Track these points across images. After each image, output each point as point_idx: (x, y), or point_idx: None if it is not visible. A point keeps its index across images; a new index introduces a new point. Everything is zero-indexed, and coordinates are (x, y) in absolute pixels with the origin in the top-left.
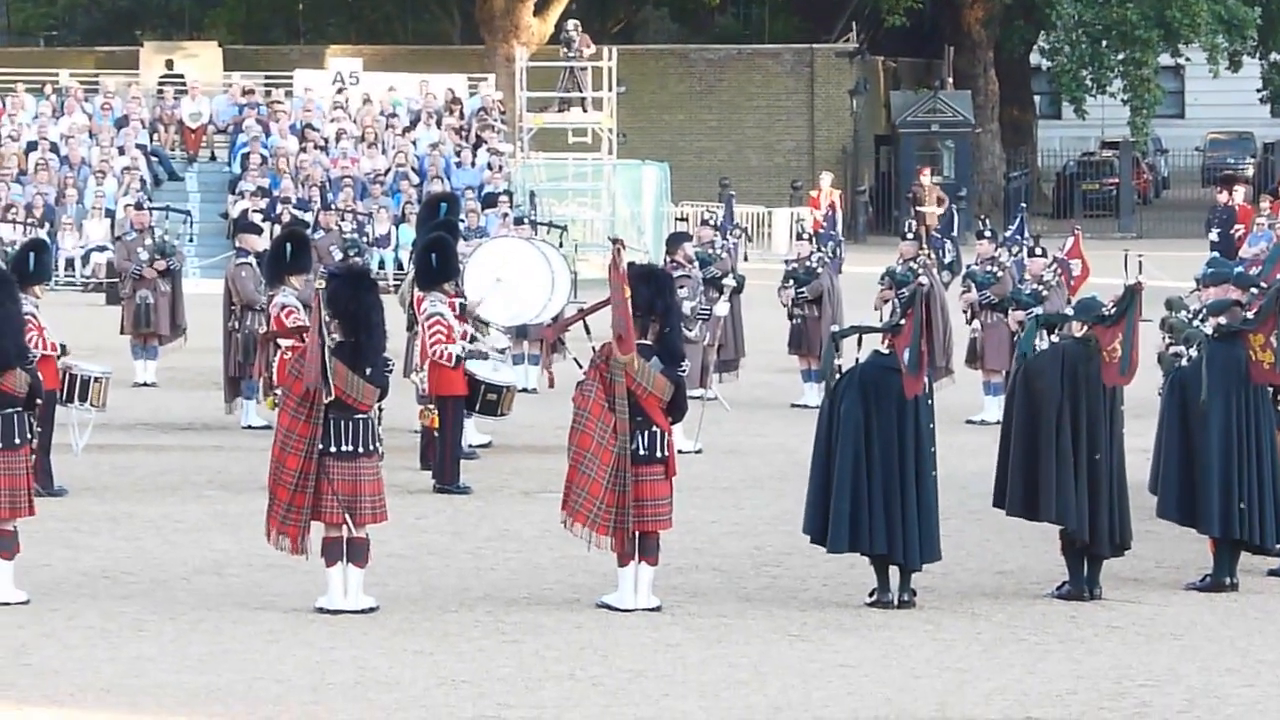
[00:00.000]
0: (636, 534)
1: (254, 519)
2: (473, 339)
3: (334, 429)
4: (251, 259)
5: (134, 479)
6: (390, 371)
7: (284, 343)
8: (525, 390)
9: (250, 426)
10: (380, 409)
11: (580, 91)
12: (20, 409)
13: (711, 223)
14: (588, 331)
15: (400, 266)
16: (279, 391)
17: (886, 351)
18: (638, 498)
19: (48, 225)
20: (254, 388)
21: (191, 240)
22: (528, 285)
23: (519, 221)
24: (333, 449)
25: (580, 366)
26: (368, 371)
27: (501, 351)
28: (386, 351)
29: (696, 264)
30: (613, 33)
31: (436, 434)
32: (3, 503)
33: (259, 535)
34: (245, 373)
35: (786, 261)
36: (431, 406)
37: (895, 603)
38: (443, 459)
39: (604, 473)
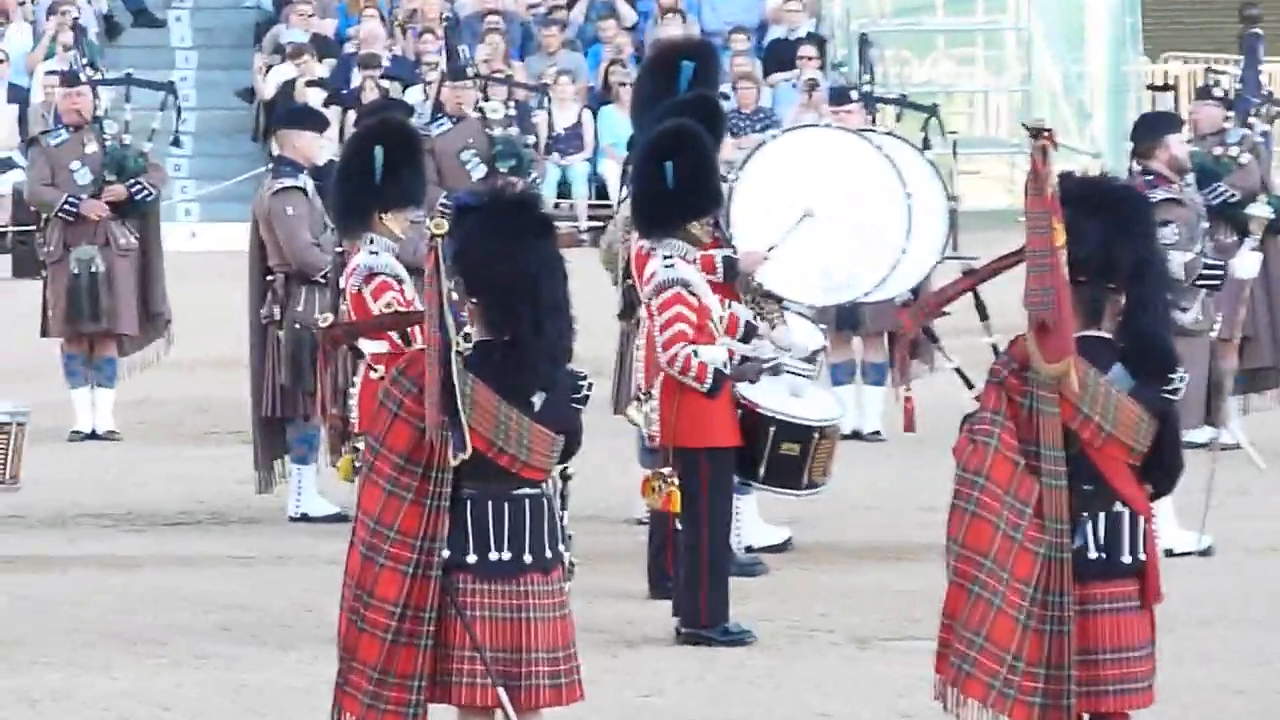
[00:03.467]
0: (1085, 717)
1: (314, 699)
2: (749, 334)
3: (474, 519)
4: (305, 180)
5: (79, 624)
6: (584, 399)
7: (370, 348)
8: (857, 435)
9: (306, 516)
10: (567, 475)
11: None
12: None
13: (1221, 92)
14: (983, 314)
15: (603, 191)
16: (361, 446)
17: None
18: (1086, 646)
19: None
20: (313, 439)
21: (178, 143)
22: (862, 226)
23: (840, 97)
24: (471, 558)
25: (970, 385)
26: (537, 401)
27: (811, 360)
28: (574, 361)
29: (1193, 177)
30: None
31: (681, 526)
32: None
33: None
34: (295, 410)
35: None
36: (670, 472)
37: None
38: (696, 576)
39: (1018, 597)
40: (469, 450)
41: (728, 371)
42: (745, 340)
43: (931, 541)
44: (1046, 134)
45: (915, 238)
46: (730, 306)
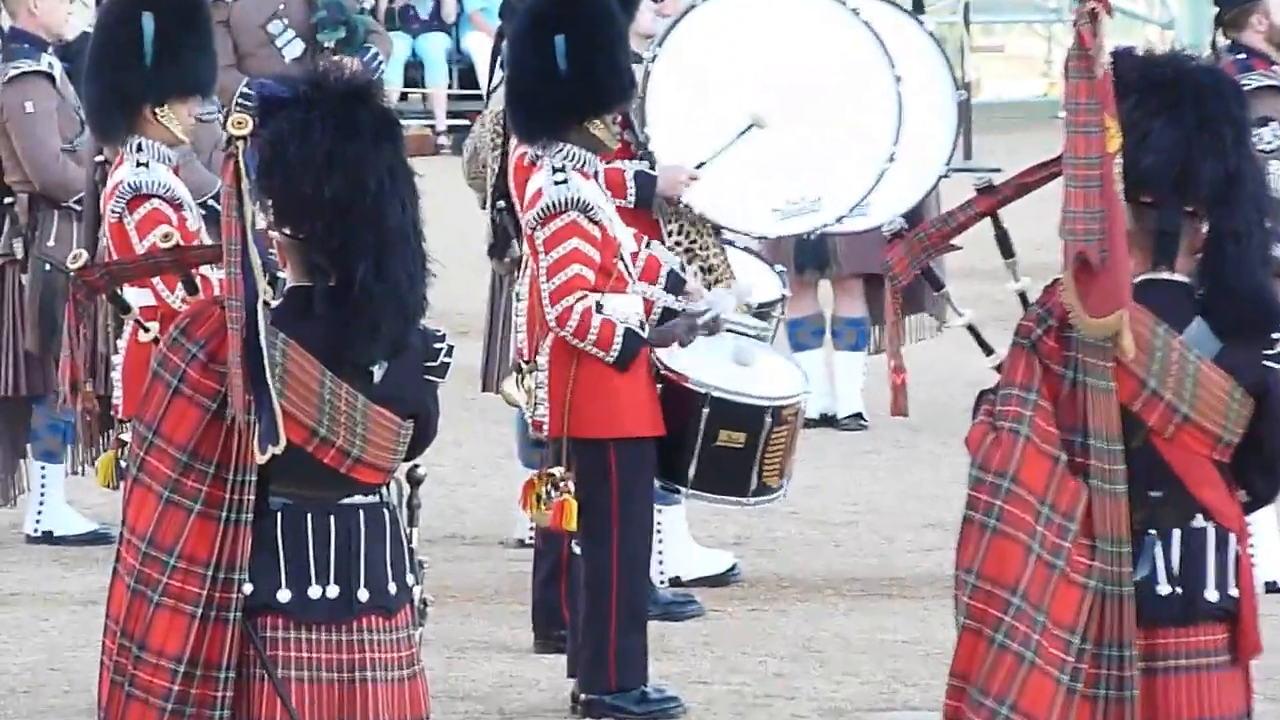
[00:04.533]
0: None
1: None
2: (674, 287)
3: (287, 540)
4: (50, 62)
5: None
6: (443, 370)
7: (141, 299)
8: (828, 420)
9: (51, 535)
10: (418, 478)
11: None
12: None
13: None
14: (1006, 250)
15: (469, 77)
16: (128, 437)
17: None
18: (1155, 717)
19: None
20: (64, 429)
21: None
22: (832, 124)
23: None
24: (284, 596)
25: (988, 351)
26: (377, 373)
27: (764, 315)
28: (429, 317)
29: None
30: None
31: (580, 550)
32: None
33: None
34: (46, 385)
35: None
36: (564, 473)
37: None
38: (602, 621)
39: (1060, 649)
40: (282, 441)
41: (645, 332)
42: (672, 292)
43: (934, 571)
44: None
45: (908, 141)
46: (649, 245)
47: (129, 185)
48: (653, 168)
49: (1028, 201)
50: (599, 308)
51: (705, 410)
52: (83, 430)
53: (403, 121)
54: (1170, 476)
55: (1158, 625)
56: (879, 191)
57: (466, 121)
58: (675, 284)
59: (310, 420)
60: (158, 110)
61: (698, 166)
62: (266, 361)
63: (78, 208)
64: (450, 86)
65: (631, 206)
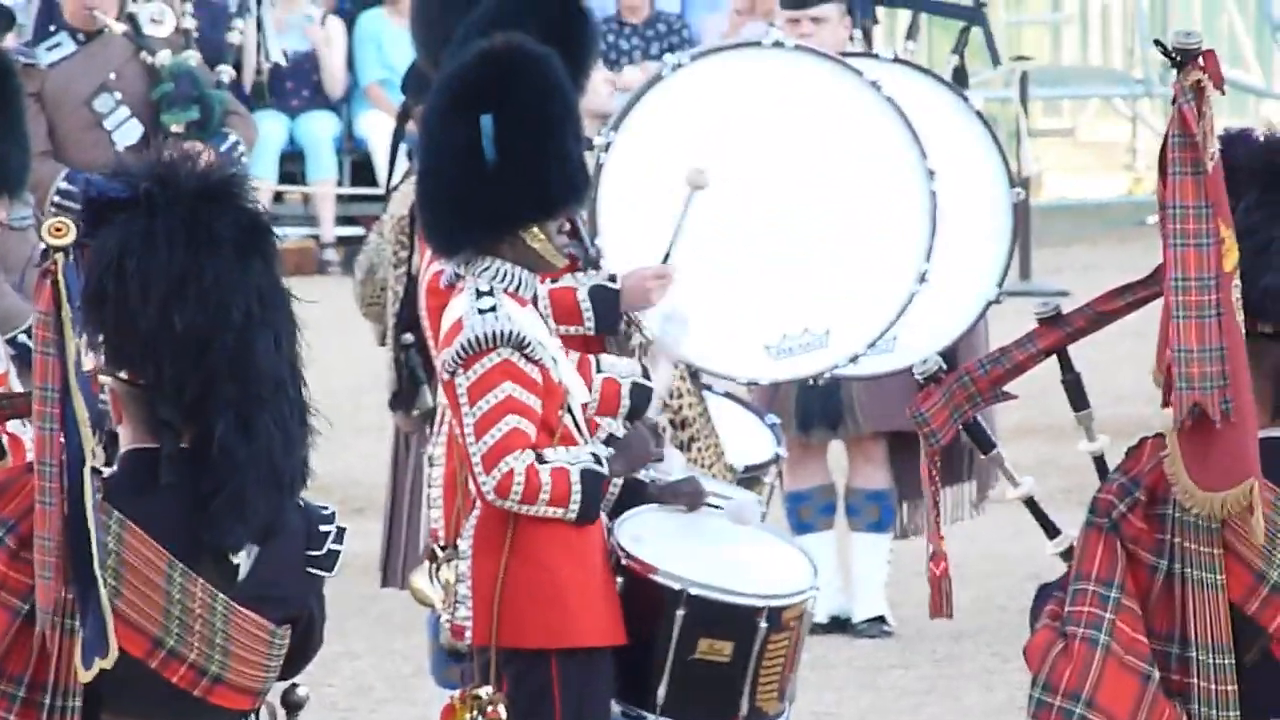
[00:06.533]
0: None
1: None
2: (637, 407)
3: None
4: None
5: None
6: (331, 559)
7: None
8: (840, 624)
9: None
10: (297, 701)
11: None
12: None
13: None
14: (1078, 400)
15: (363, 169)
16: None
17: None
18: None
19: None
20: None
21: None
22: (844, 234)
23: None
24: None
25: (1052, 531)
26: (242, 563)
27: (751, 480)
28: (312, 489)
29: None
30: None
31: None
32: None
33: None
34: None
35: None
36: (492, 694)
37: None
38: None
39: None
40: (113, 653)
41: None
42: (633, 416)
43: None
44: (1201, 60)
45: (945, 256)
46: (599, 368)
47: None
48: (613, 280)
49: (1107, 336)
50: (540, 459)
51: (680, 612)
52: None
53: (277, 230)
54: None
55: None
56: (907, 322)
57: (361, 230)
58: (641, 399)
59: (153, 626)
60: None
61: (665, 256)
62: (95, 548)
63: None
64: (340, 183)
65: (592, 333)
